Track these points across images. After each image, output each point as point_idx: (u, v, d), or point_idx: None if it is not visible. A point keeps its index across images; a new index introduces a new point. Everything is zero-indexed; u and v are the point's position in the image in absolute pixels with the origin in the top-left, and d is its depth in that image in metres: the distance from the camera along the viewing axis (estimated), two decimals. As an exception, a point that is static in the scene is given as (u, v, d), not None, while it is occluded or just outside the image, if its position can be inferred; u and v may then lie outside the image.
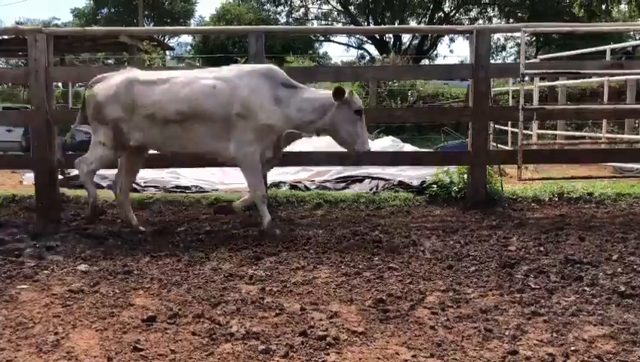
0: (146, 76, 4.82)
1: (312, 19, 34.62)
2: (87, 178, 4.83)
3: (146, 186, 7.23)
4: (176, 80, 4.70)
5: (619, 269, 3.75)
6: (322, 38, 33.51)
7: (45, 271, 3.77)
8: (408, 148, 9.56)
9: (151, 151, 5.13)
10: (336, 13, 34.99)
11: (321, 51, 35.10)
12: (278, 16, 34.00)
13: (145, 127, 4.68)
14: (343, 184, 7.39)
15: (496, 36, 30.78)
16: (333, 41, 35.06)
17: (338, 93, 4.56)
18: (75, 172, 7.61)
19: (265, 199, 4.79)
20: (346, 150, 4.96)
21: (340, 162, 6.35)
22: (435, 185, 6.24)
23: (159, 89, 4.66)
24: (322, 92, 4.87)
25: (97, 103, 4.74)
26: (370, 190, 6.87)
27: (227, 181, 7.66)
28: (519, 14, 30.58)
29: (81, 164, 4.82)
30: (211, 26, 28.31)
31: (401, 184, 6.95)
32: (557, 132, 11.70)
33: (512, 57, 35.16)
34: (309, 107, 4.66)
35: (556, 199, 6.18)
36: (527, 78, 7.98)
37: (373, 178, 7.32)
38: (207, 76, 4.74)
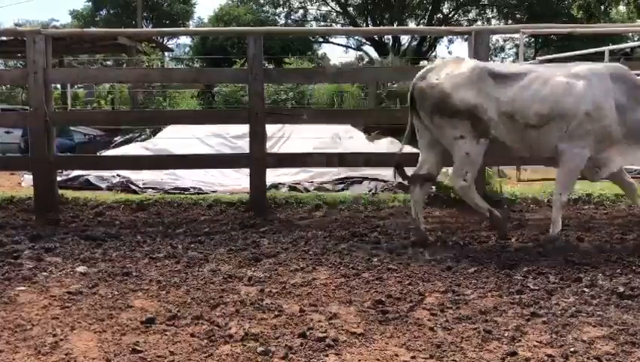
0: (498, 68, 4.44)
1: (310, 21, 34.63)
2: (467, 192, 4.39)
3: (144, 188, 7.23)
4: (531, 76, 4.30)
5: (618, 270, 3.76)
6: (321, 40, 33.49)
7: (44, 273, 3.76)
8: (408, 149, 9.55)
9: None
10: (335, 14, 35.02)
11: (319, 52, 35.08)
12: (276, 17, 34.02)
13: (494, 121, 4.28)
14: (342, 185, 7.40)
15: (494, 37, 30.73)
16: (332, 43, 35.01)
17: None
18: (74, 173, 7.68)
19: (564, 206, 4.41)
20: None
21: (338, 164, 6.34)
22: (434, 187, 6.23)
23: (515, 84, 4.28)
24: None
25: (443, 93, 4.28)
26: (369, 191, 6.88)
27: (226, 182, 7.66)
28: (518, 15, 30.60)
29: (455, 180, 4.41)
30: (210, 27, 28.33)
31: (400, 185, 6.95)
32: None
33: (511, 58, 35.22)
34: None
35: (555, 200, 6.17)
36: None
37: (372, 179, 7.32)
38: (558, 73, 4.33)
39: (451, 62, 4.52)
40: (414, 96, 4.47)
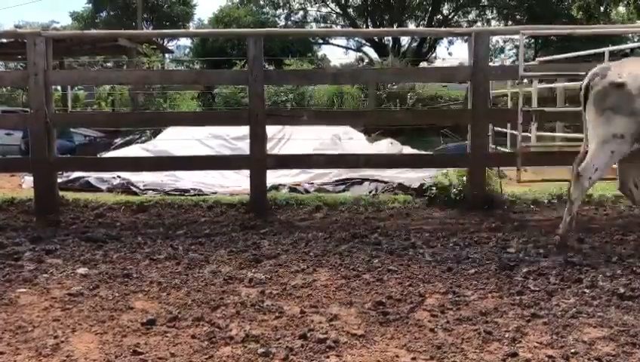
0: None
1: (310, 22, 34.64)
2: (579, 194, 4.32)
3: (145, 189, 7.23)
4: None
5: (618, 271, 3.76)
6: (321, 41, 33.49)
7: (45, 275, 3.77)
8: (408, 150, 9.57)
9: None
10: (334, 15, 35.02)
11: (319, 54, 35.08)
12: (277, 19, 34.01)
13: None
14: (342, 186, 7.39)
15: (494, 38, 30.72)
16: (332, 44, 35.03)
17: None
18: (75, 174, 7.68)
19: None
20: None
21: (338, 165, 6.35)
22: (434, 188, 6.24)
23: None
24: None
25: (627, 93, 4.17)
26: (370, 192, 6.87)
27: (226, 184, 7.66)
28: (517, 17, 30.60)
29: (580, 178, 4.29)
30: (210, 29, 28.36)
31: (400, 186, 6.96)
32: (556, 134, 11.70)
33: (511, 59, 35.22)
34: None
35: (555, 201, 6.17)
36: (525, 80, 8.00)
37: (372, 180, 7.32)
38: None
39: (630, 62, 4.45)
40: (592, 92, 4.36)
